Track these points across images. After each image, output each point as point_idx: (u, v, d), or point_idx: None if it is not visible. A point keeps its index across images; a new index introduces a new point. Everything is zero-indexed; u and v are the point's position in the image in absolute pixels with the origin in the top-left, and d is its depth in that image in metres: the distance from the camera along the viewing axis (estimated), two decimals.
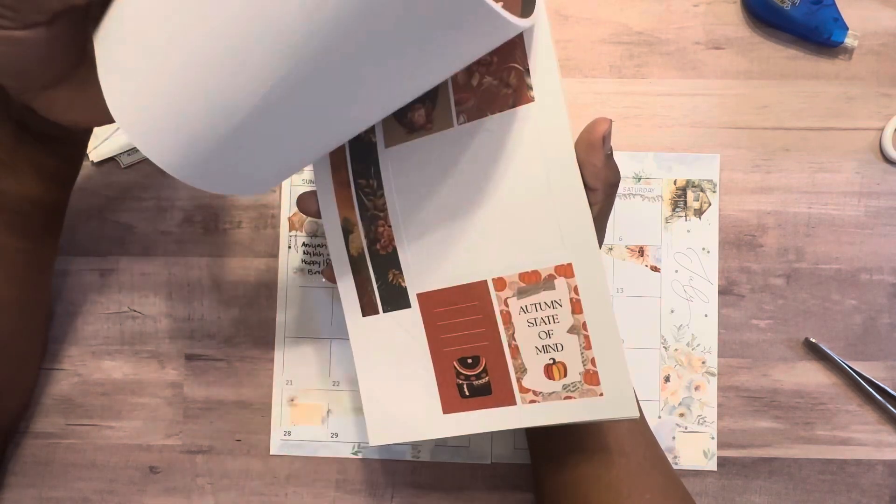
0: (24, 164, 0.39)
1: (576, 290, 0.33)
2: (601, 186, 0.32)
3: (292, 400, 0.49)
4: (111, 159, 0.51)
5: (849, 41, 0.49)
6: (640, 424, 0.40)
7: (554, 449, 0.41)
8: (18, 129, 0.37)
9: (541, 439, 0.42)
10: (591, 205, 0.32)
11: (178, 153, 0.29)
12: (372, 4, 0.22)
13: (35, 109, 0.33)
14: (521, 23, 0.26)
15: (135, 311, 0.51)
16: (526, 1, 0.30)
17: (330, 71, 0.25)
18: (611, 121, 0.32)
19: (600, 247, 0.33)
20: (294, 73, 0.25)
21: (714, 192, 0.49)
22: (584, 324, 0.33)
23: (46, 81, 0.31)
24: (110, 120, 0.33)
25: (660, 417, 0.48)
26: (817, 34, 0.49)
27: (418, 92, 0.30)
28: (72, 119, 0.34)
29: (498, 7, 0.24)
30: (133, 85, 0.28)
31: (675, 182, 0.49)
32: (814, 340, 0.48)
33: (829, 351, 0.48)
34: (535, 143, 0.32)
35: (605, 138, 0.32)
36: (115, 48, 0.28)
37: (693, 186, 0.49)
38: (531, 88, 0.32)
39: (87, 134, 0.42)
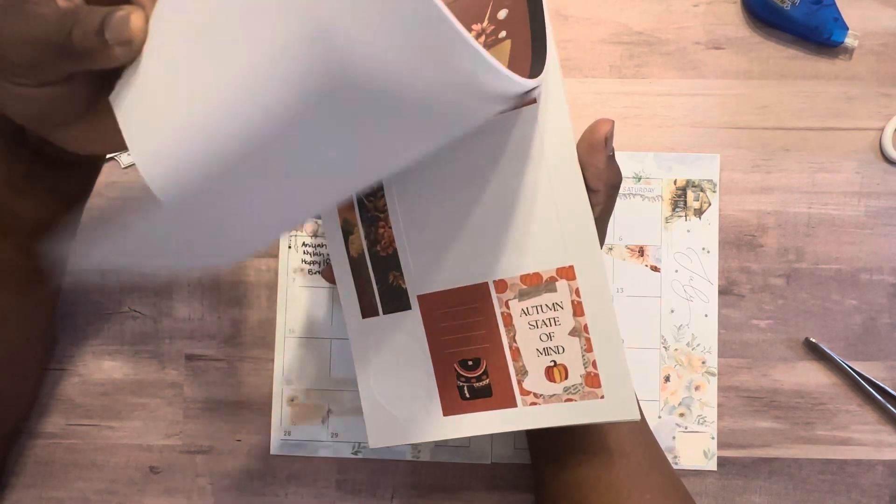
0: (39, 189, 0.39)
1: (577, 292, 0.33)
2: (603, 188, 0.32)
3: (292, 400, 0.49)
4: (111, 159, 0.51)
5: (849, 41, 0.49)
6: (640, 425, 0.40)
7: (554, 449, 0.41)
8: (34, 155, 0.37)
9: (541, 440, 0.43)
10: (592, 206, 0.32)
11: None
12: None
13: (52, 142, 0.33)
14: (530, 83, 0.27)
15: (135, 311, 0.51)
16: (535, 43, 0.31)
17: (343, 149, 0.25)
18: (612, 122, 0.32)
19: (601, 248, 0.33)
20: (304, 141, 0.25)
21: (714, 192, 0.49)
22: (586, 326, 0.33)
23: (63, 124, 0.32)
24: (124, 147, 0.34)
25: (660, 417, 0.48)
26: (817, 34, 0.49)
27: (429, 151, 0.30)
28: (87, 151, 0.35)
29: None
30: (152, 143, 0.28)
31: (675, 182, 0.49)
32: (814, 340, 0.48)
33: (829, 351, 0.48)
34: (536, 144, 0.32)
35: (608, 139, 0.32)
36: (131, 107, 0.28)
37: (693, 186, 0.49)
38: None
39: (101, 158, 0.42)
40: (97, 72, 0.29)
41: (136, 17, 0.27)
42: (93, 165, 0.42)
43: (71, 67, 0.28)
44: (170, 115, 0.26)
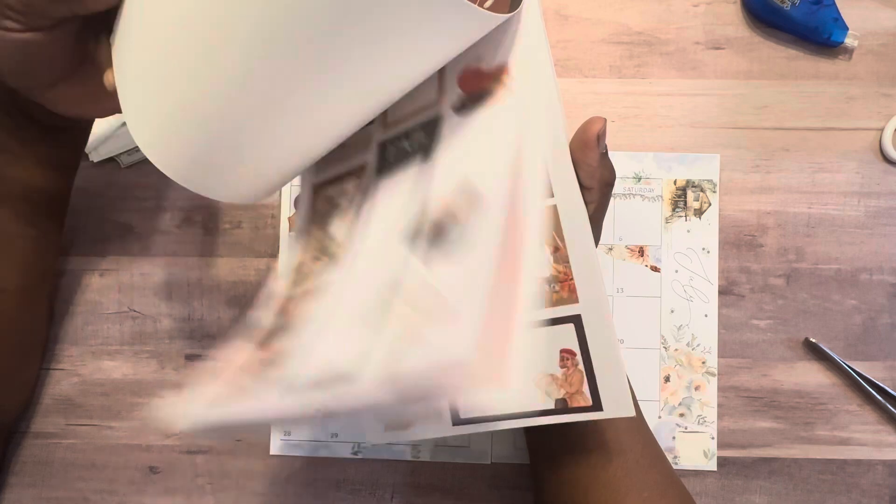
0: (30, 154, 0.41)
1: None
2: (596, 185, 0.33)
3: None
4: (111, 159, 0.51)
5: (849, 41, 0.49)
6: (637, 423, 0.40)
7: (552, 448, 0.41)
8: (25, 120, 0.39)
9: (539, 438, 0.42)
10: (586, 204, 0.32)
11: (180, 158, 0.30)
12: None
13: (42, 104, 0.35)
14: (495, 17, 0.27)
15: (135, 311, 0.51)
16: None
17: (312, 68, 0.26)
18: (605, 119, 0.32)
19: (596, 246, 0.33)
20: (276, 74, 0.26)
21: (714, 192, 0.49)
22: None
23: (51, 80, 0.33)
24: (113, 111, 0.35)
25: (660, 417, 0.48)
26: (817, 34, 0.49)
27: (400, 93, 0.30)
28: (76, 112, 0.36)
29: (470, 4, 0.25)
30: (139, 95, 0.29)
31: (674, 182, 0.49)
32: (814, 340, 0.48)
33: (829, 351, 0.48)
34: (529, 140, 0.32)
35: (600, 137, 0.32)
36: (125, 57, 0.30)
37: (693, 186, 0.49)
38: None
39: (89, 122, 0.44)
40: (83, 19, 0.30)
41: None
42: (81, 130, 0.43)
43: (63, 10, 0.29)
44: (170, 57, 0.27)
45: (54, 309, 0.50)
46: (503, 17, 0.28)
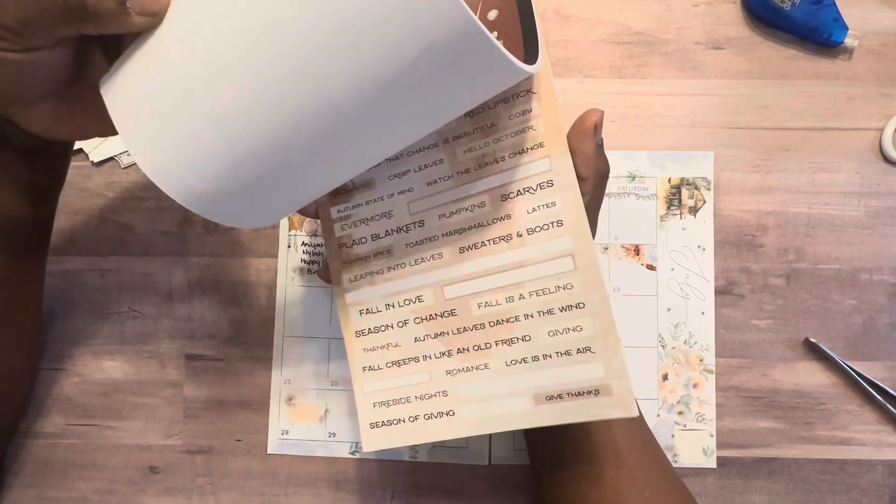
0: (5, 181, 0.37)
1: None
2: (591, 175, 0.33)
3: (290, 399, 0.49)
4: (111, 159, 0.51)
5: (849, 41, 0.49)
6: (638, 422, 0.40)
7: (552, 448, 0.41)
8: (1, 144, 0.35)
9: (539, 439, 0.42)
10: (581, 194, 0.32)
11: (190, 188, 0.29)
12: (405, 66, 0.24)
13: (16, 123, 0.31)
14: (529, 69, 0.27)
15: (135, 310, 0.51)
16: (527, 37, 0.32)
17: (354, 118, 0.26)
18: (602, 112, 0.33)
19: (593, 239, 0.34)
20: (314, 125, 0.26)
21: (709, 189, 0.49)
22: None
23: (35, 99, 0.30)
24: (95, 134, 0.33)
25: (658, 416, 0.48)
26: (817, 34, 0.49)
27: (425, 133, 0.31)
28: (55, 134, 0.33)
29: (513, 58, 0.25)
30: (148, 120, 0.27)
31: (669, 180, 0.49)
32: (814, 340, 0.48)
33: (829, 351, 0.48)
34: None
35: (597, 127, 0.32)
36: (127, 85, 0.28)
37: (687, 184, 0.49)
38: None
39: (69, 146, 0.41)
40: (88, 38, 0.27)
41: None
42: (62, 156, 0.40)
43: (70, 30, 0.26)
44: (192, 104, 0.26)
45: (54, 310, 0.50)
46: (535, 67, 0.29)
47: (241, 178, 0.28)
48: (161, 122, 0.27)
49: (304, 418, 0.49)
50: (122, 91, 0.28)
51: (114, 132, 0.30)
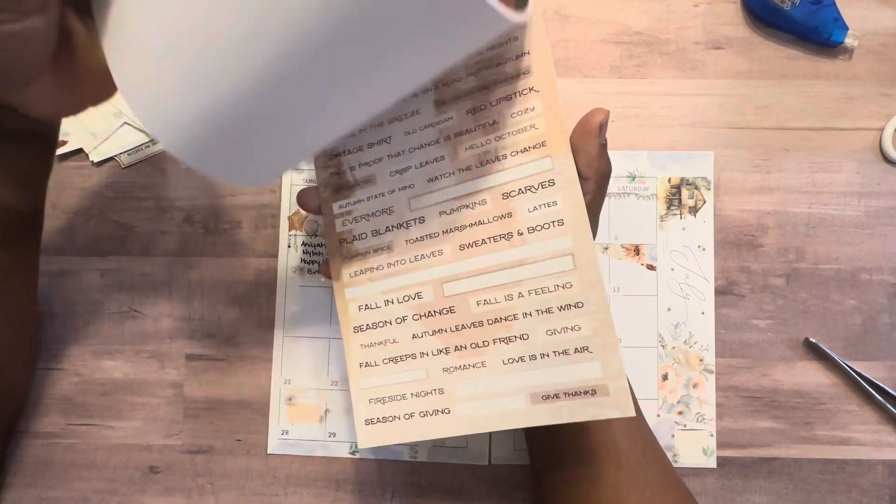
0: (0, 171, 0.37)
1: None
2: (594, 175, 0.33)
3: (290, 399, 0.49)
4: (111, 159, 0.51)
5: (849, 41, 0.49)
6: (638, 422, 0.40)
7: (553, 448, 0.41)
8: None
9: (539, 439, 0.42)
10: (583, 194, 0.32)
11: (185, 133, 0.28)
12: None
13: (13, 107, 0.31)
14: (516, 17, 0.27)
15: (135, 310, 0.51)
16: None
17: (333, 56, 0.25)
18: (608, 111, 0.33)
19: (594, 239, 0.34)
20: (295, 61, 0.25)
21: (709, 189, 0.49)
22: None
23: (33, 74, 0.29)
24: (89, 104, 0.32)
25: (658, 416, 0.48)
26: (817, 34, 0.49)
27: (411, 88, 0.30)
28: (53, 111, 0.32)
29: (498, 4, 0.25)
30: (143, 65, 0.27)
31: (669, 180, 0.49)
32: (814, 340, 0.48)
33: (829, 351, 0.48)
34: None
35: (602, 127, 0.32)
36: (122, 31, 0.28)
37: (687, 184, 0.49)
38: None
39: (56, 127, 0.40)
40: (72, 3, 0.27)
41: None
42: (48, 135, 0.40)
43: None
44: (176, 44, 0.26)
45: (54, 310, 0.50)
46: (524, 17, 0.29)
47: (229, 119, 0.27)
48: (150, 63, 0.27)
49: (303, 418, 0.49)
50: (117, 38, 0.28)
51: (105, 97, 0.31)
